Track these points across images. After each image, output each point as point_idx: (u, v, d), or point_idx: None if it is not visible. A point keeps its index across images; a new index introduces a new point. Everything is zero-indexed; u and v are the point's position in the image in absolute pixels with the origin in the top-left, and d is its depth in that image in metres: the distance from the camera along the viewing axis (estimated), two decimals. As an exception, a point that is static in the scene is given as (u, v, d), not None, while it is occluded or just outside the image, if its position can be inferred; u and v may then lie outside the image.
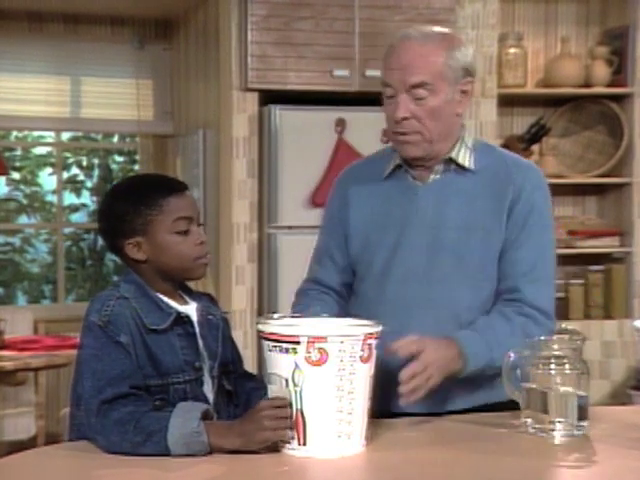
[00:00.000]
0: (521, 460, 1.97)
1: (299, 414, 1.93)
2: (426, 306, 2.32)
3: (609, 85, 5.27)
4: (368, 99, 4.83)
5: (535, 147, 5.35)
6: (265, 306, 4.68)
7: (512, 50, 5.22)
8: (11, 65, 6.02)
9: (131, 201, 2.22)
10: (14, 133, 7.14)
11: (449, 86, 2.29)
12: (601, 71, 5.24)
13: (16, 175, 7.68)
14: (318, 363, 1.92)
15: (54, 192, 7.11)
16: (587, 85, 5.28)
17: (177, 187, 2.24)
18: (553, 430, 2.09)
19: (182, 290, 2.30)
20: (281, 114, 4.65)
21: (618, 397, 5.07)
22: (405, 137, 2.31)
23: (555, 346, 2.13)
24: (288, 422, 1.93)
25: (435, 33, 2.32)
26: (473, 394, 2.36)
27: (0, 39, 5.92)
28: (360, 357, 1.95)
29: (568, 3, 5.48)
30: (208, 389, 2.22)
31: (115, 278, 6.77)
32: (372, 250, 2.40)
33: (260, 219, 4.74)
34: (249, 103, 4.71)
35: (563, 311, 5.23)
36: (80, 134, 7.26)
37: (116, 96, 6.24)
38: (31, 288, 7.96)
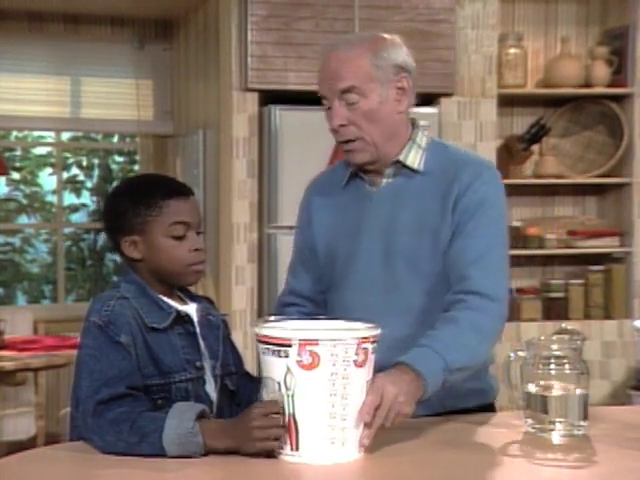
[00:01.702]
0: (521, 460, 1.97)
1: (291, 419, 1.88)
2: (386, 313, 2.27)
3: (609, 85, 5.27)
4: (368, 99, 4.84)
5: (535, 147, 5.35)
6: (265, 306, 4.68)
7: (512, 50, 5.23)
8: (11, 65, 6.02)
9: (132, 199, 2.23)
10: (14, 133, 7.14)
11: (381, 86, 2.27)
12: (601, 71, 5.24)
13: (16, 175, 7.68)
14: (310, 367, 1.86)
15: (54, 192, 7.12)
16: (587, 85, 5.28)
17: (180, 191, 2.23)
18: (553, 430, 2.09)
19: (181, 292, 2.31)
20: (281, 114, 4.65)
21: (618, 397, 5.07)
22: (349, 145, 2.31)
23: (555, 346, 2.13)
24: (279, 431, 1.88)
25: (361, 38, 2.33)
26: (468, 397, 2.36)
27: (0, 39, 5.92)
28: (354, 361, 1.89)
29: (568, 3, 5.48)
30: (211, 388, 2.23)
31: (115, 278, 6.77)
32: (332, 260, 2.42)
33: (260, 219, 4.74)
34: (249, 103, 4.71)
35: (563, 311, 5.24)
36: (80, 134, 7.26)
37: (116, 96, 6.24)
38: (31, 288, 7.96)
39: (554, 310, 5.23)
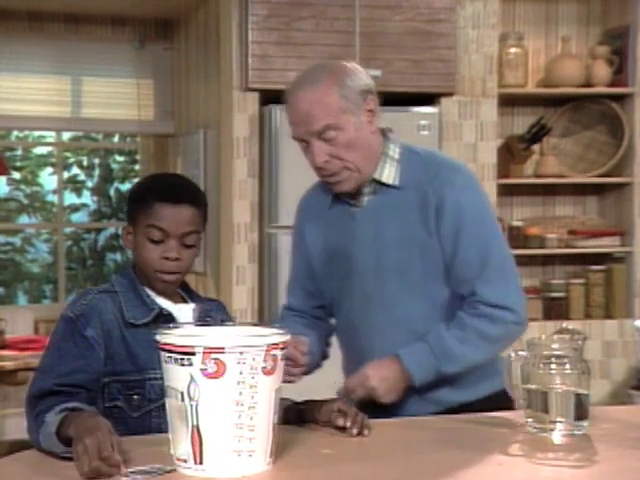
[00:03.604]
0: (521, 460, 1.97)
1: (195, 430, 1.78)
2: (385, 327, 2.38)
3: (610, 85, 5.27)
4: (369, 99, 4.84)
5: (536, 147, 5.36)
6: (266, 306, 4.68)
7: (513, 50, 5.23)
8: (11, 65, 6.02)
9: (134, 190, 2.31)
10: (15, 133, 7.14)
11: (353, 115, 2.30)
12: (602, 71, 5.24)
13: (17, 175, 7.68)
14: (215, 376, 1.75)
15: (55, 192, 7.12)
16: (588, 85, 5.28)
17: (171, 197, 2.20)
18: (553, 430, 2.09)
19: (184, 291, 2.32)
20: (282, 114, 4.65)
21: (618, 397, 5.07)
22: (334, 177, 2.35)
23: (555, 346, 2.13)
24: (102, 465, 1.73)
25: (322, 72, 2.32)
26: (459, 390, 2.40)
27: (0, 39, 5.92)
28: (262, 369, 1.78)
29: (569, 3, 5.48)
30: None
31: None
32: (329, 279, 2.47)
33: (261, 219, 4.74)
34: (250, 103, 4.71)
35: (564, 311, 5.24)
36: (81, 134, 7.26)
37: (117, 96, 6.24)
38: (32, 288, 7.96)
39: (555, 310, 5.24)
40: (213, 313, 2.33)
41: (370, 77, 2.38)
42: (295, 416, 2.19)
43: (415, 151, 2.42)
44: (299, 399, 2.24)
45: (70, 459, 1.85)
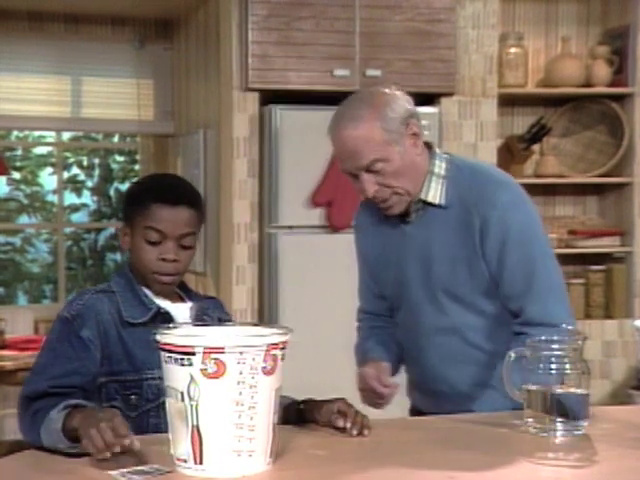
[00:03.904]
0: (521, 460, 1.97)
1: (195, 430, 1.78)
2: (437, 334, 2.46)
3: (610, 85, 5.27)
4: (368, 99, 4.84)
5: (536, 147, 5.35)
6: (265, 306, 4.68)
7: (513, 50, 5.23)
8: (11, 65, 6.02)
9: (131, 191, 2.31)
10: (15, 133, 7.14)
11: (397, 145, 2.34)
12: (602, 71, 5.24)
13: (17, 175, 7.68)
14: (215, 376, 1.76)
15: (55, 192, 7.11)
16: (588, 85, 5.28)
17: (169, 198, 2.21)
18: (553, 430, 2.09)
19: (182, 290, 2.32)
20: (281, 114, 4.65)
21: (618, 397, 5.07)
22: (385, 203, 2.40)
23: (555, 346, 2.13)
24: (112, 448, 1.79)
25: (362, 106, 2.35)
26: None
27: (0, 39, 5.92)
28: (262, 369, 1.79)
29: (569, 3, 5.48)
30: None
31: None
32: (386, 286, 2.56)
33: (260, 219, 4.74)
34: (250, 103, 4.71)
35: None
36: (81, 134, 7.26)
37: (117, 96, 6.24)
38: (32, 288, 7.96)
39: (555, 310, 5.23)
40: (210, 311, 2.33)
41: (409, 99, 2.43)
42: (295, 415, 2.19)
43: (460, 167, 2.45)
44: (299, 398, 2.24)
45: (74, 455, 1.86)
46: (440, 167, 2.42)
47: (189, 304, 2.30)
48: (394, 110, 2.35)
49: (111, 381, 2.17)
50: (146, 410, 2.18)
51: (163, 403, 2.07)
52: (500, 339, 2.38)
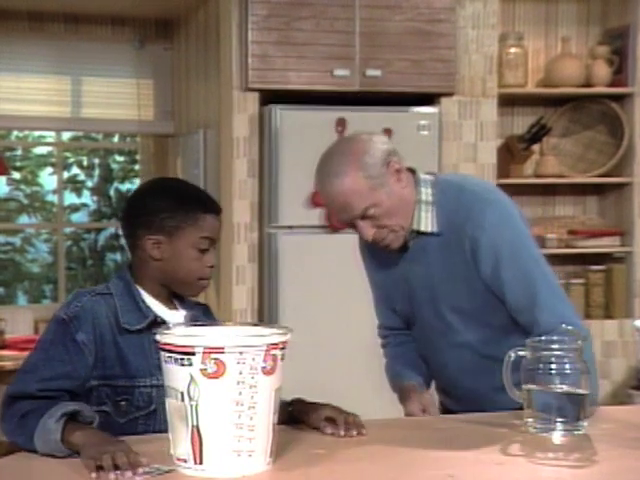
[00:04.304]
0: (521, 460, 1.97)
1: (195, 430, 1.78)
2: (449, 349, 2.53)
3: (610, 85, 5.27)
4: (369, 99, 4.83)
5: (536, 147, 5.35)
6: (265, 306, 4.68)
7: (512, 50, 5.22)
8: (11, 65, 6.02)
9: (171, 202, 2.24)
10: (15, 133, 7.14)
11: (383, 187, 2.39)
12: (602, 71, 5.24)
13: (17, 175, 7.68)
14: (215, 376, 1.76)
15: (54, 192, 7.11)
16: (588, 85, 5.27)
17: (216, 209, 2.29)
18: (553, 430, 2.09)
19: (176, 298, 2.33)
20: (281, 114, 4.65)
21: (618, 397, 5.07)
22: (384, 242, 2.46)
23: (555, 346, 2.13)
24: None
25: (342, 160, 2.39)
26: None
27: (0, 39, 5.92)
28: (262, 369, 1.79)
29: (568, 3, 5.48)
30: None
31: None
32: (396, 303, 2.62)
33: (260, 219, 4.74)
34: (250, 103, 4.71)
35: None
36: (81, 134, 7.26)
37: (117, 96, 6.24)
38: (32, 288, 7.96)
39: (555, 310, 5.23)
40: (201, 318, 2.33)
41: (384, 138, 2.49)
42: (284, 416, 2.17)
43: (445, 189, 2.49)
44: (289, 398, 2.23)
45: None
46: (427, 194, 2.47)
47: (183, 312, 2.31)
48: (373, 156, 2.40)
49: (103, 385, 2.16)
50: (135, 417, 2.18)
51: (153, 411, 2.15)
52: (512, 346, 2.38)
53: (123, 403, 2.15)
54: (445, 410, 2.68)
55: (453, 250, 2.43)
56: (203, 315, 2.37)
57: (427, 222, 2.46)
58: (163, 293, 2.28)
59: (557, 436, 2.08)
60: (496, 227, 2.41)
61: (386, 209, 2.39)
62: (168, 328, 2.01)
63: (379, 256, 2.58)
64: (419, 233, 2.47)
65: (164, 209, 2.23)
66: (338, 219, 2.47)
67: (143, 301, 2.24)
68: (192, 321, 2.27)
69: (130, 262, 2.31)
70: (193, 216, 2.23)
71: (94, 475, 1.78)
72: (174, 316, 2.27)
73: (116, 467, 1.78)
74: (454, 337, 2.50)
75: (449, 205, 2.45)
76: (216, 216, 2.27)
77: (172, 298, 2.31)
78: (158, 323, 2.21)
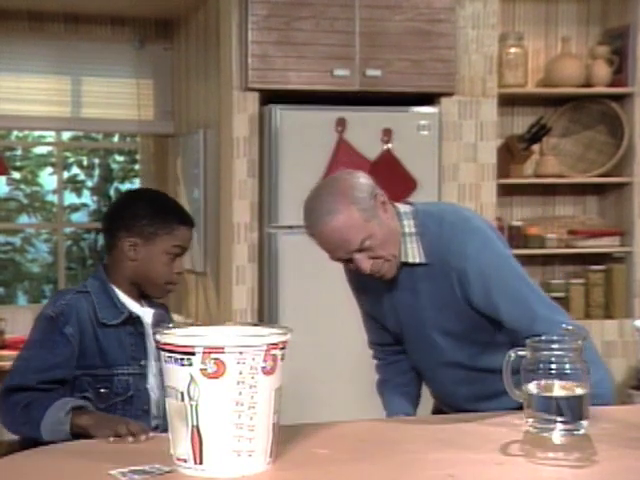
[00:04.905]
0: (522, 460, 1.97)
1: (195, 430, 1.79)
2: (439, 367, 2.61)
3: (610, 85, 5.27)
4: (369, 99, 4.83)
5: (535, 147, 5.35)
6: (265, 306, 4.68)
7: (512, 50, 5.22)
8: (11, 65, 6.01)
9: (151, 210, 2.52)
10: (15, 133, 7.14)
11: (374, 218, 2.44)
12: (602, 71, 5.24)
13: (17, 175, 7.69)
14: (215, 376, 1.77)
15: (54, 192, 7.12)
16: (588, 85, 5.28)
17: (190, 221, 2.58)
18: (554, 430, 2.09)
19: (144, 297, 2.58)
20: (281, 114, 4.65)
21: (619, 397, 5.06)
22: (380, 273, 2.50)
23: (555, 346, 2.13)
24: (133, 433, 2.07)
25: (332, 198, 2.43)
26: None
27: (0, 39, 5.92)
28: (262, 369, 1.80)
29: (568, 3, 5.48)
30: (152, 386, 2.49)
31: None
32: (384, 322, 2.68)
33: (260, 219, 4.74)
34: (249, 103, 4.71)
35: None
36: (81, 134, 7.26)
37: (116, 96, 6.23)
38: (31, 288, 7.96)
39: (555, 310, 5.23)
40: (165, 316, 2.61)
41: (364, 174, 2.52)
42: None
43: (425, 222, 2.53)
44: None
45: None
46: (409, 226, 2.52)
47: (151, 310, 2.56)
48: (361, 190, 2.45)
49: (84, 374, 2.40)
50: (114, 403, 2.42)
51: (131, 397, 2.43)
52: (503, 357, 2.39)
53: (103, 390, 2.40)
54: (439, 412, 2.73)
55: (439, 279, 2.49)
56: (166, 313, 2.63)
57: (414, 253, 2.51)
58: (134, 291, 2.54)
59: (557, 436, 2.08)
60: (479, 254, 2.45)
61: (380, 240, 2.45)
62: (164, 328, 2.06)
63: (367, 286, 2.63)
64: (406, 264, 2.52)
65: (144, 216, 2.51)
66: (334, 257, 2.49)
67: (118, 298, 2.50)
68: (161, 318, 2.53)
69: (105, 262, 2.59)
70: (169, 226, 2.51)
71: (112, 439, 2.05)
72: (146, 313, 2.54)
73: (131, 434, 2.06)
74: (444, 356, 2.57)
75: (432, 234, 2.51)
76: (190, 228, 2.55)
77: (140, 297, 2.57)
78: (132, 318, 2.49)
